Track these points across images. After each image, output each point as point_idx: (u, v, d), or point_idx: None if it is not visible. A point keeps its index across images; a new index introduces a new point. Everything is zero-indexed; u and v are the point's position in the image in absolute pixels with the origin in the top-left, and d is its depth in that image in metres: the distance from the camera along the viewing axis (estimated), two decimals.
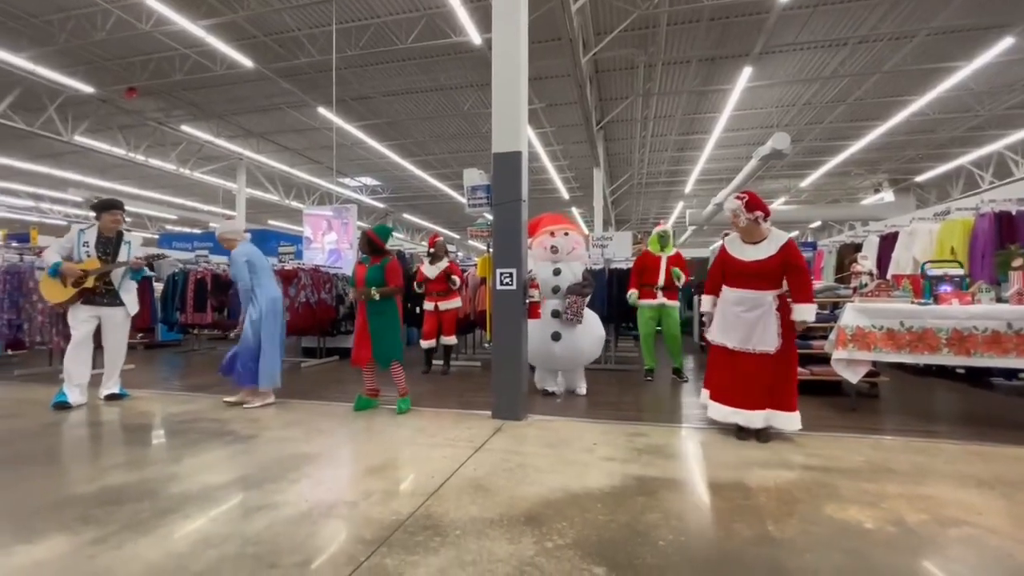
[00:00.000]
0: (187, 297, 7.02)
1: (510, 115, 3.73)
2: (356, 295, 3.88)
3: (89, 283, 4.09)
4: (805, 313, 3.09)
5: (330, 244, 8.27)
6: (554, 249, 4.48)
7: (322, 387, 5.02)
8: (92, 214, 4.35)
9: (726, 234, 3.50)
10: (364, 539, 1.87)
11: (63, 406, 3.94)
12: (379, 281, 3.86)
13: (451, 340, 5.76)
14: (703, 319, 3.54)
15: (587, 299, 4.41)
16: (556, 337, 4.30)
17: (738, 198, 3.21)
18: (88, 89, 9.80)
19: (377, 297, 3.79)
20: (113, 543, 1.83)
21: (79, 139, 11.70)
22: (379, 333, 3.86)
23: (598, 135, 11.71)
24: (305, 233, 8.55)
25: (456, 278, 5.66)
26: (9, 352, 6.55)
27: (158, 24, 7.95)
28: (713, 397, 3.29)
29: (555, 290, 4.42)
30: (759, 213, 3.16)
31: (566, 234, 4.56)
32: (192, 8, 7.62)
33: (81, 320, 4.13)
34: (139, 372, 5.85)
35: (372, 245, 3.97)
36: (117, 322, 4.29)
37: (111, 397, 4.29)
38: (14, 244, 7.70)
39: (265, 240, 10.94)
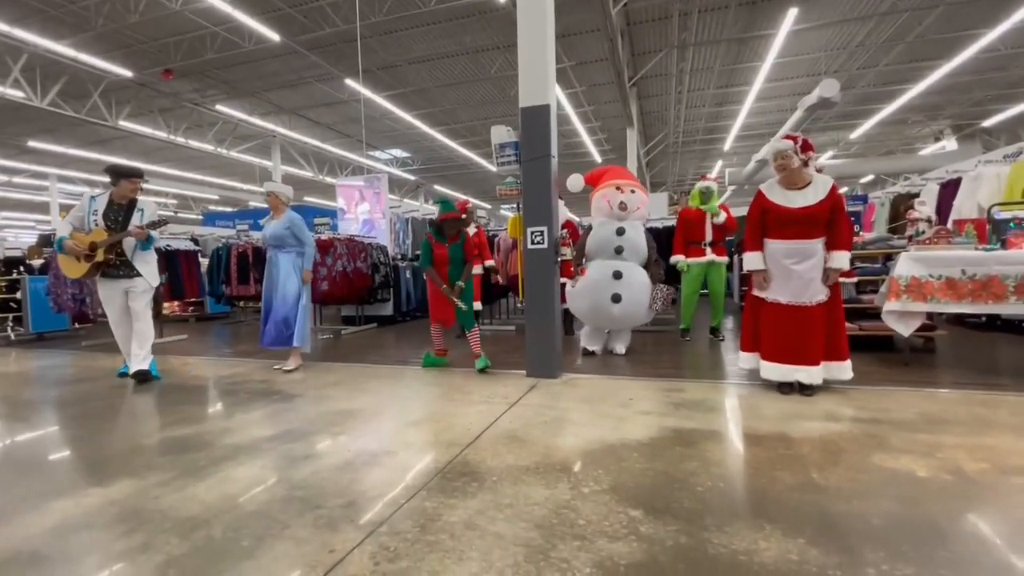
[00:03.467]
0: (231, 270, 7.30)
1: (537, 66, 3.60)
2: (448, 291, 3.95)
3: (99, 256, 3.74)
4: (843, 260, 2.95)
5: (363, 214, 8.38)
6: (623, 206, 4.29)
7: (362, 352, 5.17)
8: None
9: None
10: (404, 484, 1.93)
11: (125, 376, 4.11)
12: (461, 258, 4.00)
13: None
14: (748, 276, 3.30)
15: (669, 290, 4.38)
16: (617, 299, 4.19)
17: (788, 138, 3.03)
18: (127, 73, 10.11)
19: (463, 285, 3.96)
20: (175, 486, 1.96)
21: (123, 123, 12.16)
22: (463, 301, 3.99)
23: (631, 92, 11.23)
24: (339, 204, 8.68)
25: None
26: (76, 325, 7.04)
27: (187, 2, 8.05)
28: (765, 357, 3.10)
29: (618, 250, 4.26)
30: (812, 154, 3.00)
31: (633, 191, 4.38)
32: None
33: (107, 298, 3.94)
34: (191, 342, 6.19)
35: (453, 224, 3.99)
36: (137, 294, 3.93)
37: (141, 376, 3.84)
38: None
39: (302, 215, 11.20)
